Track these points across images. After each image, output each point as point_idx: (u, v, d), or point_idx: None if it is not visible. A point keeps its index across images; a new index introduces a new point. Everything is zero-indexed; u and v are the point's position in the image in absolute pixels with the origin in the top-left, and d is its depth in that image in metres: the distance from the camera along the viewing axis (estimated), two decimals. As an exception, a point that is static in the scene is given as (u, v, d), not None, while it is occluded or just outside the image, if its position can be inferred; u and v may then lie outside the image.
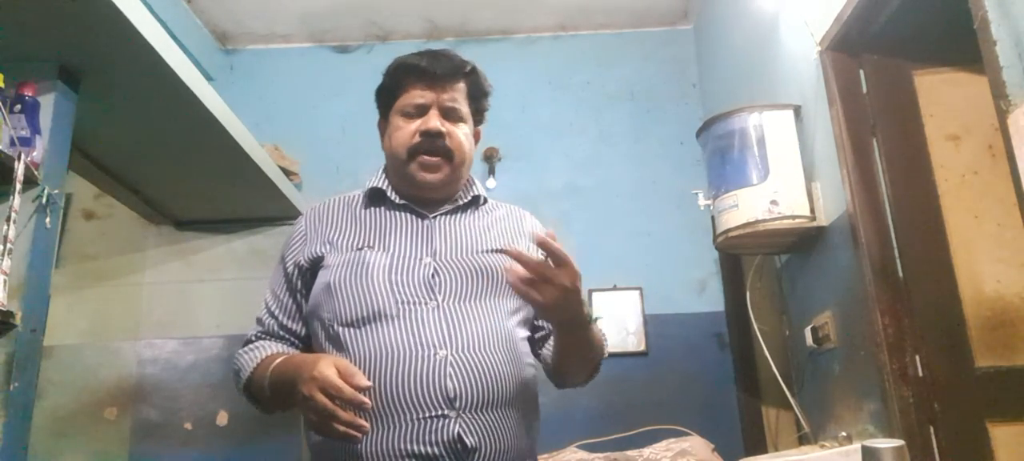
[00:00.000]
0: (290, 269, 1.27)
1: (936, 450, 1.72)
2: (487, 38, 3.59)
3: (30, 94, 1.68)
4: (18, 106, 1.65)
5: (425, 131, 1.23)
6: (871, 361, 1.86)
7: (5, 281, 1.55)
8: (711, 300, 3.10)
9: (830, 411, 2.15)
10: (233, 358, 1.25)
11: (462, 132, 1.27)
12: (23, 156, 1.60)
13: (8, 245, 1.56)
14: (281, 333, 1.27)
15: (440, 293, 1.16)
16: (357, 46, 3.60)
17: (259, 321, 1.29)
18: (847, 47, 1.99)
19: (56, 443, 2.90)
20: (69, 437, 2.92)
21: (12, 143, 1.60)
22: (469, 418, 1.08)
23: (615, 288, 3.11)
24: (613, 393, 2.95)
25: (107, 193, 2.82)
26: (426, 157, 1.23)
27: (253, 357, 1.21)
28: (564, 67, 3.51)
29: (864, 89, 1.98)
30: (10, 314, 1.56)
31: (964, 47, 1.51)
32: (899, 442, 1.11)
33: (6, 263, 1.55)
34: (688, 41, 3.54)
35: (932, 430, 1.74)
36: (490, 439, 1.09)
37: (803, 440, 2.34)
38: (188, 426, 2.97)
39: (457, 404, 1.08)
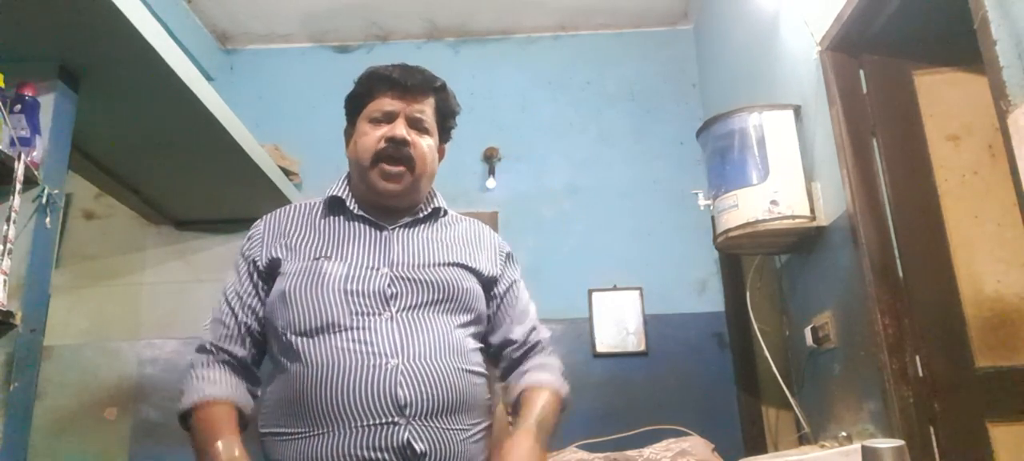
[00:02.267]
0: (250, 268, 1.26)
1: (936, 450, 1.72)
2: (487, 38, 3.59)
3: (30, 94, 1.68)
4: (18, 106, 1.65)
5: (390, 138, 1.24)
6: (871, 361, 1.86)
7: (5, 281, 1.55)
8: (711, 300, 3.10)
9: (830, 411, 2.15)
10: (188, 368, 1.20)
11: (426, 144, 1.29)
12: (23, 156, 1.60)
13: (8, 245, 1.56)
14: (240, 335, 1.22)
15: (394, 304, 1.18)
16: (357, 46, 3.61)
17: (219, 323, 1.23)
18: (847, 47, 1.99)
19: (56, 443, 2.90)
20: (69, 437, 2.92)
21: (12, 143, 1.60)
22: (419, 425, 1.10)
23: (615, 288, 3.11)
24: (613, 393, 2.95)
25: (107, 193, 2.83)
26: (387, 166, 1.24)
27: (199, 391, 1.16)
28: (564, 67, 3.51)
29: (864, 89, 1.98)
30: (10, 314, 1.56)
31: (964, 47, 1.52)
32: (899, 442, 1.10)
33: (6, 263, 1.55)
34: (688, 41, 3.54)
35: (932, 430, 1.74)
36: (439, 445, 1.11)
37: (803, 440, 2.34)
38: (188, 426, 2.97)
39: (407, 412, 1.10)
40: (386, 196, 1.26)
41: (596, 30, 3.58)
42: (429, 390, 1.12)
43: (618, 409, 2.88)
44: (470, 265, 1.29)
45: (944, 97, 1.94)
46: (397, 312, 1.17)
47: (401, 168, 1.25)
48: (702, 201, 2.37)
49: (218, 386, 1.17)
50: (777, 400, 2.64)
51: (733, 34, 2.93)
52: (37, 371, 1.68)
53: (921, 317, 1.81)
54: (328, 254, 1.22)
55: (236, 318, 1.23)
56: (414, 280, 1.20)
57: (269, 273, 1.24)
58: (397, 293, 1.18)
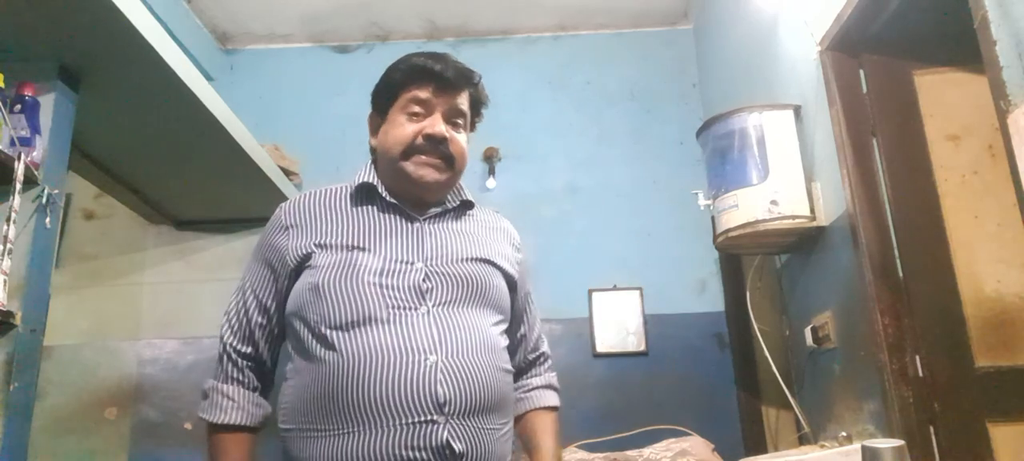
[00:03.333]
0: (273, 265, 1.23)
1: (936, 450, 1.72)
2: (487, 38, 3.59)
3: (30, 94, 1.68)
4: (18, 106, 1.65)
5: (429, 134, 1.22)
6: (871, 361, 1.86)
7: (5, 281, 1.55)
8: (711, 300, 3.10)
9: (830, 411, 2.15)
10: (209, 381, 1.23)
11: (463, 139, 1.28)
12: (23, 156, 1.60)
13: (8, 245, 1.56)
14: (255, 337, 1.23)
15: (430, 299, 1.16)
16: (357, 46, 3.60)
17: (237, 319, 1.24)
18: (847, 47, 1.99)
19: (56, 443, 2.90)
20: (69, 437, 2.92)
21: (12, 143, 1.60)
22: (457, 424, 1.09)
23: (615, 288, 3.11)
24: (613, 393, 2.96)
25: (107, 193, 2.83)
26: (424, 156, 1.22)
27: (225, 410, 1.20)
28: (564, 67, 3.51)
29: (864, 89, 1.98)
30: (10, 314, 1.56)
31: (964, 47, 1.52)
32: (899, 442, 1.10)
33: (6, 263, 1.55)
34: (688, 41, 3.54)
35: (932, 430, 1.74)
36: (477, 445, 1.10)
37: (803, 440, 2.34)
38: (188, 426, 2.97)
39: (446, 410, 1.08)
40: (422, 187, 1.24)
41: (596, 30, 3.58)
42: (468, 388, 1.11)
43: (618, 409, 2.88)
44: (495, 262, 1.28)
45: (944, 97, 1.93)
46: (433, 306, 1.16)
47: (438, 160, 1.23)
48: (702, 201, 2.37)
49: (235, 410, 1.20)
50: (777, 400, 2.64)
51: (733, 34, 2.93)
52: (37, 371, 1.68)
53: (921, 317, 1.81)
54: (362, 245, 1.19)
55: (250, 319, 1.23)
56: (448, 275, 1.19)
57: (297, 270, 1.21)
58: (432, 288, 1.17)
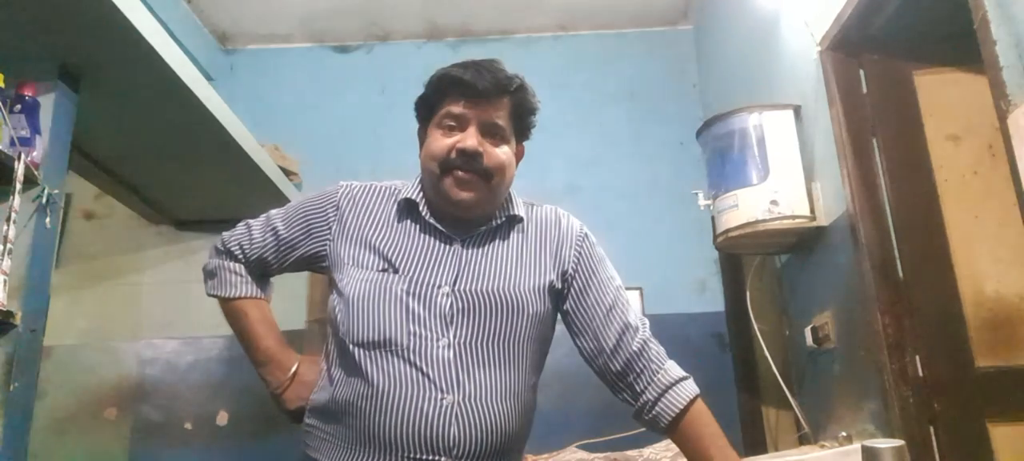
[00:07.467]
0: (313, 229, 1.25)
1: (936, 450, 1.72)
2: (487, 38, 3.59)
3: (30, 94, 1.68)
4: (18, 106, 1.65)
5: (462, 149, 1.16)
6: (871, 361, 1.86)
7: (5, 281, 1.55)
8: (711, 300, 3.10)
9: (830, 411, 2.15)
10: (212, 260, 1.34)
11: (503, 152, 1.20)
12: (23, 156, 1.60)
13: (8, 245, 1.56)
14: (262, 261, 1.30)
15: (452, 329, 1.12)
16: (357, 46, 3.60)
17: (254, 240, 1.30)
18: (847, 47, 1.99)
19: (56, 443, 2.90)
20: (69, 437, 2.92)
21: (12, 143, 1.60)
22: None
23: (615, 288, 3.11)
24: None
25: (107, 193, 2.83)
26: (461, 173, 1.16)
27: (235, 286, 1.31)
28: (564, 67, 3.51)
29: (864, 89, 1.98)
30: (10, 314, 1.56)
31: (964, 47, 1.52)
32: (899, 442, 1.10)
33: (6, 263, 1.55)
34: (688, 41, 3.54)
35: (932, 430, 1.74)
36: None
37: (803, 440, 2.34)
38: (188, 426, 2.97)
39: (454, 453, 1.07)
40: (462, 206, 1.18)
41: (596, 30, 3.58)
42: (480, 435, 1.09)
43: (618, 409, 2.84)
44: (540, 279, 1.21)
45: (944, 97, 1.94)
46: (455, 339, 1.12)
47: (475, 177, 1.17)
48: (702, 201, 2.37)
49: (244, 284, 1.31)
50: (777, 400, 2.64)
51: (733, 34, 2.93)
52: (37, 371, 1.68)
53: (921, 317, 1.81)
54: (395, 262, 1.17)
55: (264, 246, 1.29)
56: (476, 304, 1.14)
57: (316, 260, 1.26)
58: (456, 317, 1.13)
